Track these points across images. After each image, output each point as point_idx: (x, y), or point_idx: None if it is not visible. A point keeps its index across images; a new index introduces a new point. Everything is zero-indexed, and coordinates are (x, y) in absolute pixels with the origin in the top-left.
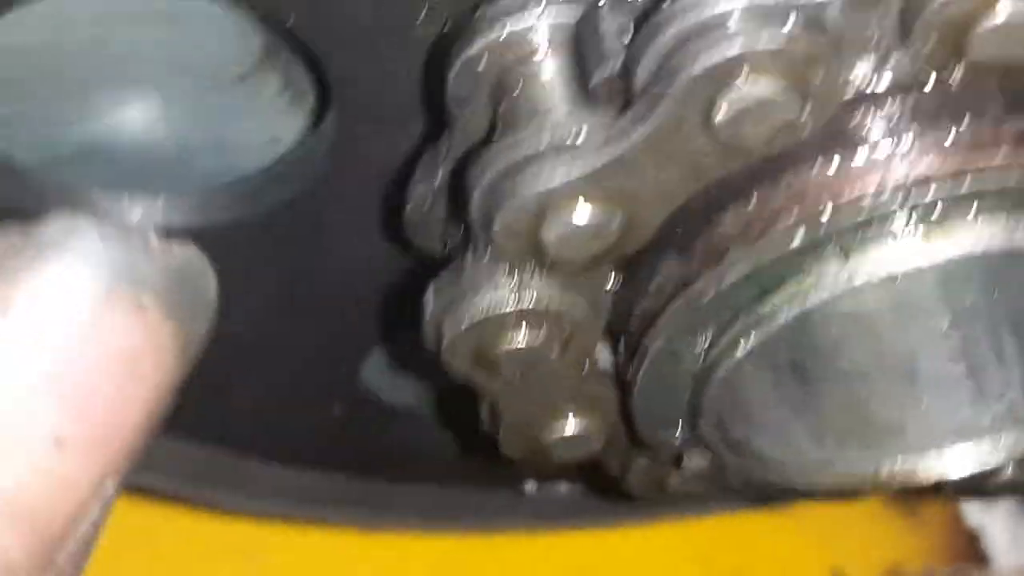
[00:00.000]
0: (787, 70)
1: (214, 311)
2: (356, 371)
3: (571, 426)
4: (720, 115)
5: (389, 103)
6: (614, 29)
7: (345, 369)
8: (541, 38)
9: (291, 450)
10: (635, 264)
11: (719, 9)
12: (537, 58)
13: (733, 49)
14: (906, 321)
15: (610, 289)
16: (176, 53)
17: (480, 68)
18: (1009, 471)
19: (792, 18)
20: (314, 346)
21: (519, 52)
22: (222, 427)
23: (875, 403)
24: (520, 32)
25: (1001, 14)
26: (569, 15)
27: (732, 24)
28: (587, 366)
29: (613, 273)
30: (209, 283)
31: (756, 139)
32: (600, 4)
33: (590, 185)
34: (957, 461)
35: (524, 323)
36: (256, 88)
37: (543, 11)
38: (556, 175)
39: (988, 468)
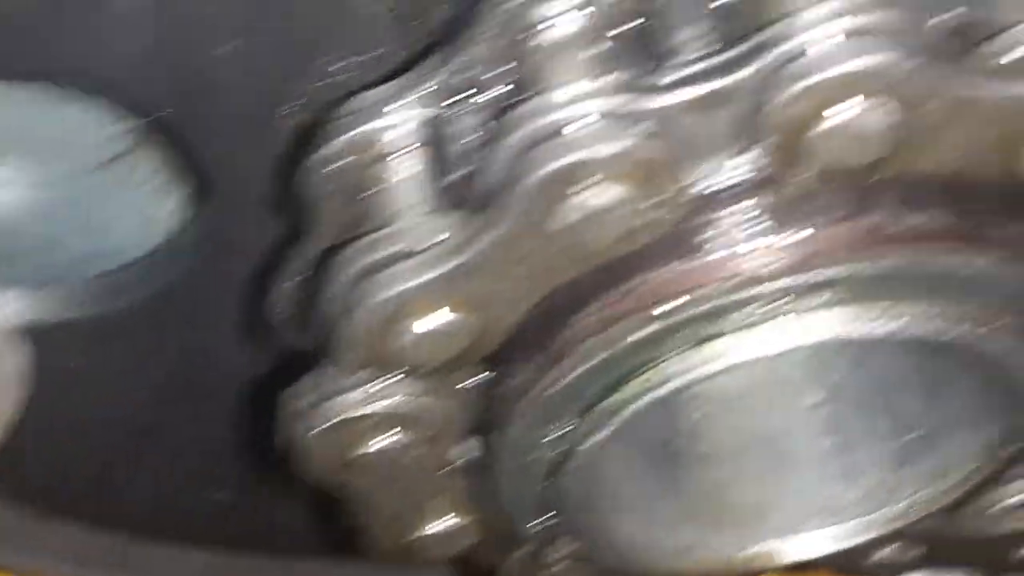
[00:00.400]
0: (630, 176)
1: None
2: (230, 458)
3: (442, 522)
4: (566, 219)
5: (257, 196)
6: (467, 131)
7: (219, 458)
8: (400, 137)
9: (175, 529)
10: (497, 360)
11: (564, 115)
12: (395, 158)
13: (576, 155)
14: (775, 399)
15: (474, 385)
16: (44, 137)
17: (337, 166)
18: (887, 551)
19: (635, 124)
20: (186, 437)
21: (377, 151)
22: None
23: (742, 484)
24: (377, 131)
25: (835, 119)
26: (429, 114)
27: (576, 130)
28: (455, 461)
29: (477, 369)
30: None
31: (602, 242)
32: (455, 105)
33: (441, 290)
34: (821, 541)
35: (385, 424)
36: (128, 172)
37: (402, 109)
38: (408, 280)
39: (854, 546)
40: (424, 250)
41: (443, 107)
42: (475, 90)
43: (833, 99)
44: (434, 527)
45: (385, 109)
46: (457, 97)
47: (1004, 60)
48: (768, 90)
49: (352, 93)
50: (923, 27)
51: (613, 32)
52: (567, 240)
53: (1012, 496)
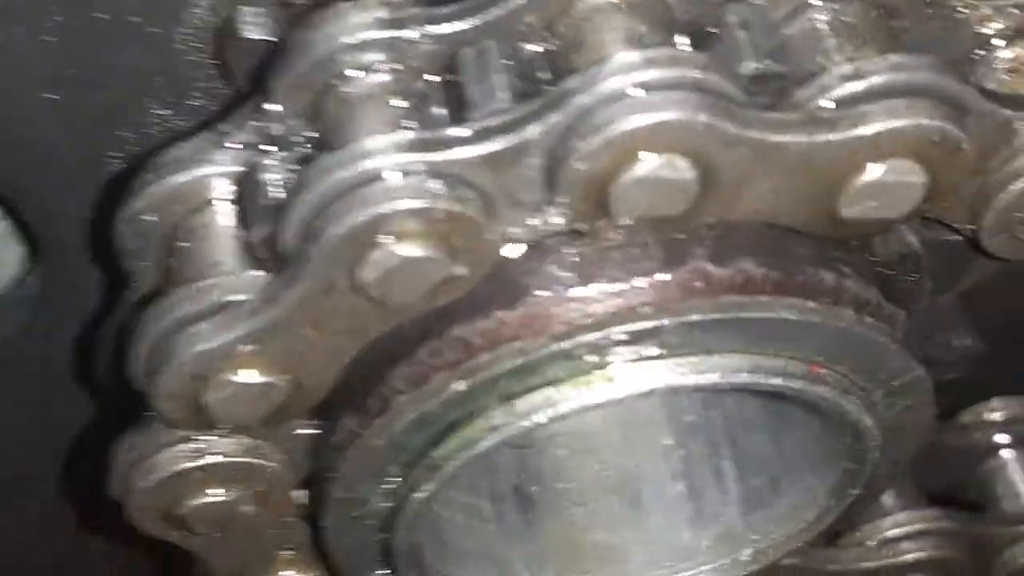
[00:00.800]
0: (431, 229)
1: None
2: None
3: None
4: (367, 275)
5: (84, 249)
6: (274, 184)
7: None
8: (215, 189)
9: None
10: (324, 413)
11: (363, 167)
12: (209, 210)
13: (376, 209)
14: (627, 441)
15: (304, 439)
16: None
17: (149, 219)
18: None
19: (435, 178)
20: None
21: (190, 203)
22: None
23: (597, 527)
24: (192, 180)
25: (636, 171)
26: (240, 168)
27: (377, 184)
28: (291, 516)
29: (305, 423)
30: None
31: (408, 297)
32: (264, 158)
33: (250, 347)
34: None
35: (212, 479)
36: None
37: (217, 160)
38: (214, 338)
39: None
40: (228, 308)
41: (252, 160)
42: (282, 144)
43: (633, 152)
44: None
45: (203, 157)
46: (266, 150)
47: (811, 107)
48: (567, 144)
49: (169, 144)
50: (731, 78)
51: (419, 87)
52: (372, 296)
53: (889, 529)
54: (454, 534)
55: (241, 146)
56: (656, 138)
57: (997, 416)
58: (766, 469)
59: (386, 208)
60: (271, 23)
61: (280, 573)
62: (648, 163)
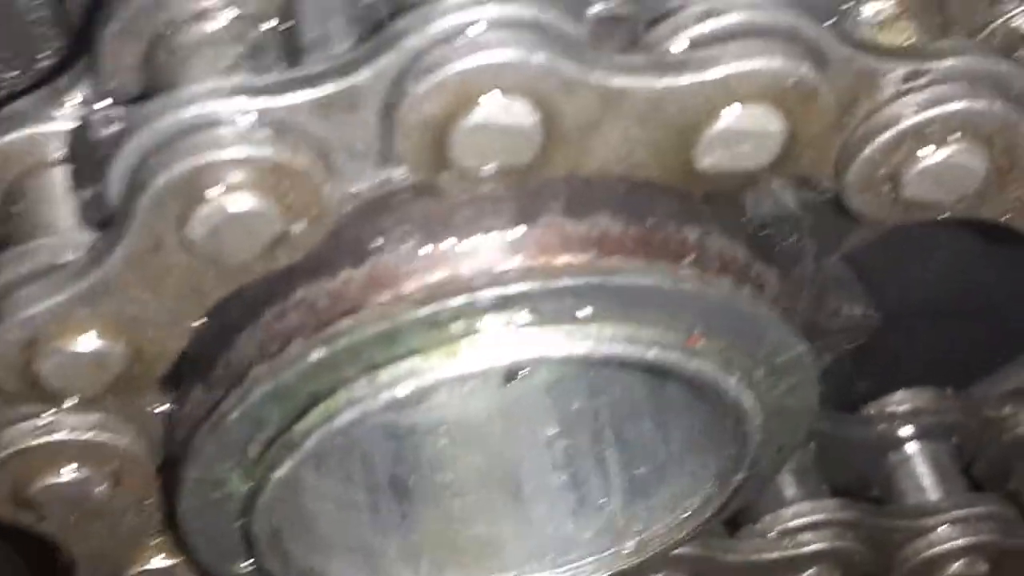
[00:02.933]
0: (262, 181)
1: None
2: None
3: (156, 561)
4: (195, 231)
5: None
6: (105, 139)
7: None
8: (51, 147)
9: None
10: (175, 387)
11: (188, 113)
12: (46, 169)
13: (201, 158)
14: (510, 430)
15: (157, 414)
16: None
17: None
18: None
19: (264, 126)
20: None
21: (26, 161)
22: None
23: (476, 519)
24: (26, 138)
25: (474, 117)
26: (73, 123)
27: (202, 132)
28: (150, 498)
29: (157, 397)
30: None
31: (241, 256)
32: (96, 113)
33: (80, 310)
34: None
35: (60, 458)
36: None
37: (59, 115)
38: (42, 300)
39: None
40: (60, 268)
41: (85, 115)
42: (116, 97)
43: (470, 96)
44: (146, 568)
45: (43, 112)
46: (98, 104)
47: (665, 49)
48: (400, 87)
49: (5, 100)
50: (575, 18)
51: (255, 35)
52: (203, 253)
53: (790, 520)
54: (324, 525)
55: (76, 103)
56: (492, 80)
57: (902, 408)
58: (651, 458)
59: (211, 156)
60: None
61: (149, 559)
62: (485, 107)
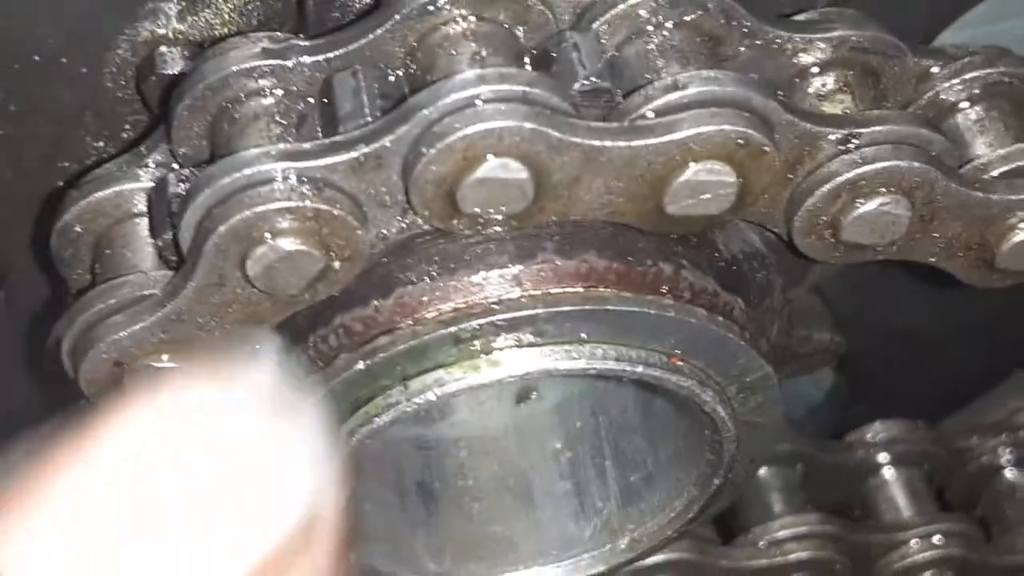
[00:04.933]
0: (305, 227)
1: None
2: None
3: None
4: (252, 268)
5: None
6: (177, 194)
7: None
8: (134, 202)
9: None
10: None
11: (244, 174)
12: (129, 221)
13: (254, 209)
14: (522, 444)
15: None
16: None
17: (77, 230)
18: None
19: (306, 183)
20: None
21: (112, 215)
22: None
23: (492, 520)
24: (113, 195)
25: (477, 174)
26: (151, 183)
27: (255, 188)
28: None
29: None
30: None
31: (290, 289)
32: (171, 173)
33: (157, 336)
34: (562, 572)
35: None
36: None
37: (135, 178)
38: (127, 327)
39: None
40: (142, 300)
41: (162, 176)
42: (186, 160)
43: (472, 157)
44: None
45: (117, 179)
46: (173, 167)
47: (637, 116)
48: (416, 151)
49: (96, 165)
50: (559, 92)
51: (300, 108)
52: (259, 287)
53: (777, 531)
54: (363, 519)
55: (155, 165)
56: (490, 143)
57: (878, 437)
58: (642, 467)
59: (263, 208)
60: (184, 60)
61: None
62: (485, 166)
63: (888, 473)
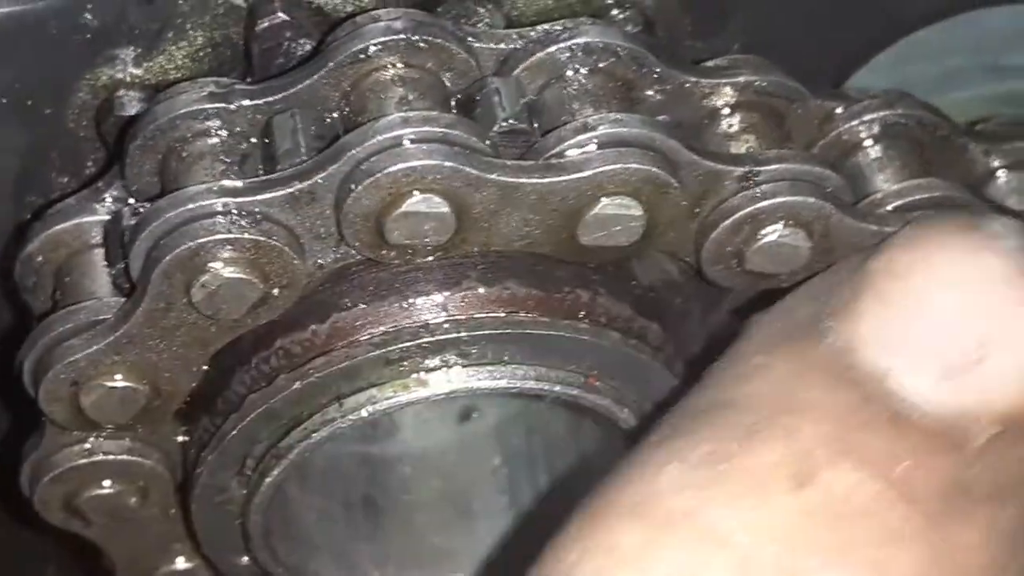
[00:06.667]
0: (245, 257)
1: None
2: None
3: (179, 563)
4: (196, 295)
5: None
6: (129, 226)
7: None
8: (92, 234)
9: None
10: (189, 418)
11: (188, 207)
12: (87, 252)
13: (197, 240)
14: (462, 461)
15: (180, 441)
16: None
17: (39, 260)
18: None
19: (246, 216)
20: None
21: (72, 246)
22: None
23: (434, 531)
24: (73, 227)
25: (401, 208)
26: (107, 216)
27: (198, 222)
28: (171, 510)
29: (175, 427)
30: None
31: (232, 314)
32: (125, 207)
33: (112, 357)
34: None
35: (100, 475)
36: None
37: (93, 211)
38: (84, 349)
39: None
40: (97, 324)
41: (116, 210)
42: (138, 196)
43: (396, 193)
44: (172, 568)
45: (76, 212)
46: (129, 202)
47: (551, 154)
48: (345, 187)
49: (61, 199)
50: (477, 133)
51: (243, 147)
52: (203, 312)
53: None
54: (307, 530)
55: (111, 199)
56: (413, 180)
57: None
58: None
59: (207, 239)
60: (140, 103)
61: (174, 561)
62: (410, 201)
63: None
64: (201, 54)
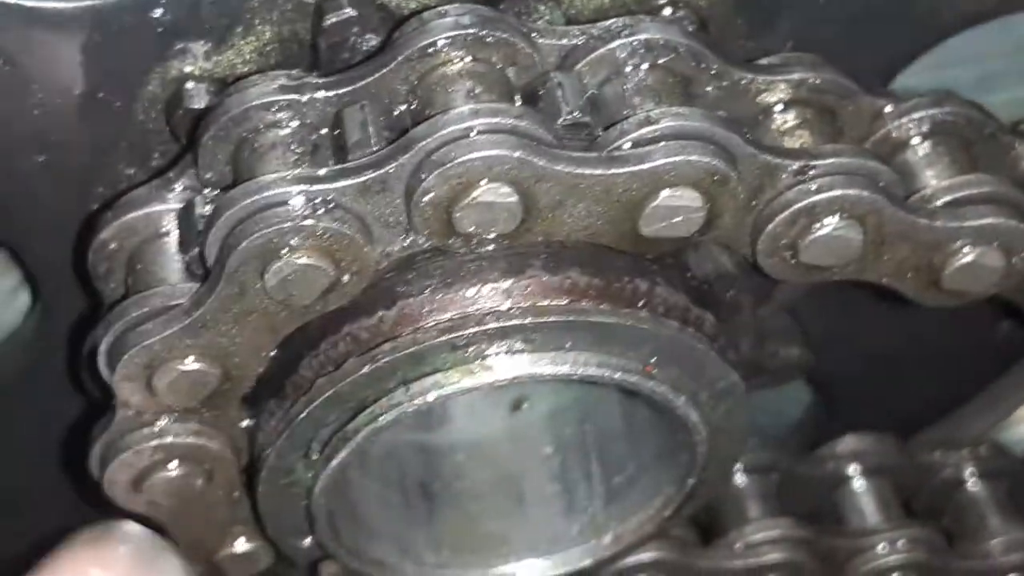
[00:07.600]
0: (317, 245)
1: None
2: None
3: (240, 545)
4: (269, 281)
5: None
6: (202, 215)
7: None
8: (164, 222)
9: None
10: (256, 401)
11: (262, 195)
12: (159, 239)
13: (271, 228)
14: (515, 449)
15: (245, 426)
16: None
17: (112, 247)
18: None
19: (318, 204)
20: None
21: (146, 233)
22: None
23: (487, 517)
24: (144, 216)
25: (470, 198)
26: (180, 205)
27: (272, 209)
28: (239, 491)
29: (242, 411)
30: None
31: (303, 300)
32: (198, 196)
33: (184, 342)
34: (551, 565)
35: (167, 457)
36: None
37: (165, 200)
38: (158, 333)
39: (576, 570)
40: (170, 309)
41: (189, 198)
42: (212, 185)
43: (465, 183)
44: (234, 549)
45: (149, 201)
46: (199, 191)
47: (614, 147)
48: (416, 178)
49: (128, 190)
50: (544, 125)
51: (313, 138)
52: (275, 298)
53: (752, 535)
54: (367, 514)
55: (181, 189)
56: (482, 170)
57: (848, 449)
58: (625, 470)
59: (280, 227)
60: (208, 95)
61: (237, 542)
62: (478, 190)
63: (857, 484)
64: (268, 49)
